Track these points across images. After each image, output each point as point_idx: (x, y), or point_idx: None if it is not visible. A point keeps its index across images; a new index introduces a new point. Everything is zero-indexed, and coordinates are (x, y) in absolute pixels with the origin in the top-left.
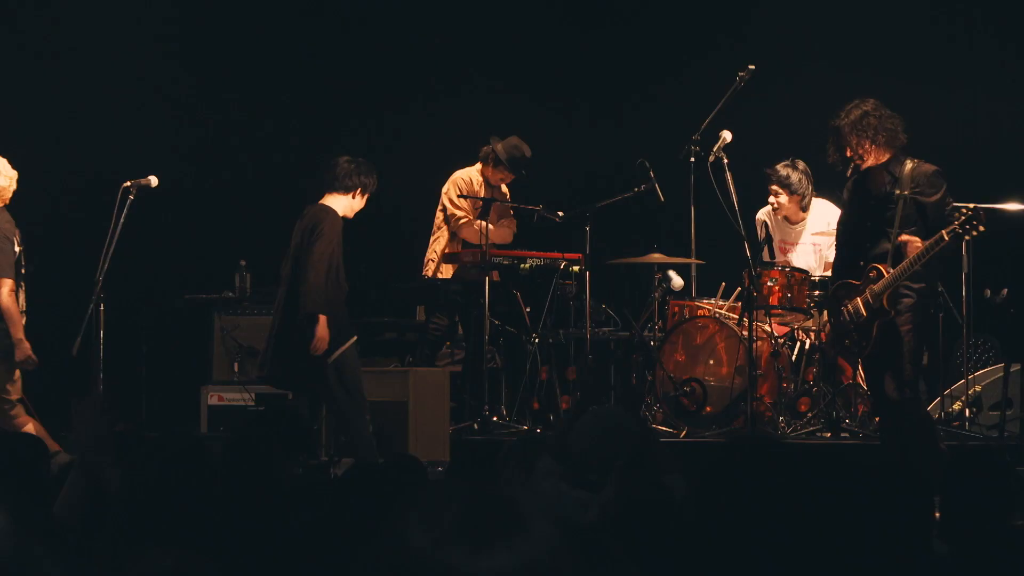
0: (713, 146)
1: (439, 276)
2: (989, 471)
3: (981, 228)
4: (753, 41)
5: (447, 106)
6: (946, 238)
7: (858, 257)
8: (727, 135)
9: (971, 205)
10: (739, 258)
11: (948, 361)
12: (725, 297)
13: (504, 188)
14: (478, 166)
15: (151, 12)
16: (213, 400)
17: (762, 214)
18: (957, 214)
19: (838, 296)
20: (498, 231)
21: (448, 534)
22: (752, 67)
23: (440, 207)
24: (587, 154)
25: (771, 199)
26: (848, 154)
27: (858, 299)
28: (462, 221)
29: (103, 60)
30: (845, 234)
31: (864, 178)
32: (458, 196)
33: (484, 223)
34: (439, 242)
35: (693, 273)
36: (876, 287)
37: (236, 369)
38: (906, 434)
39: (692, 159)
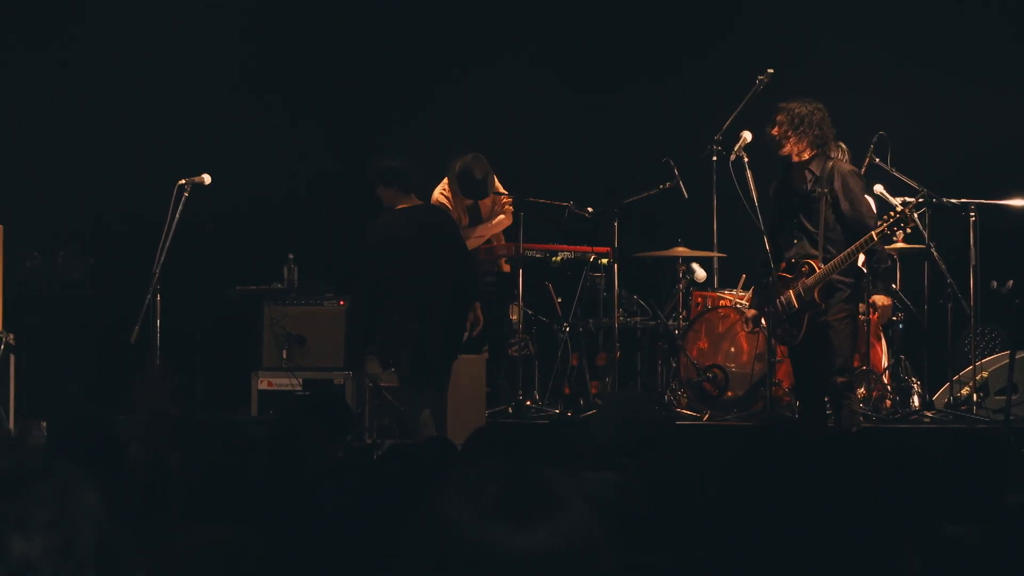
0: (734, 146)
1: None
2: (987, 451)
3: (908, 229)
4: (770, 39)
5: (480, 103)
6: (875, 237)
7: (782, 251)
8: (747, 135)
9: (899, 207)
10: (759, 251)
11: (956, 348)
12: (746, 288)
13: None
14: (446, 180)
15: (203, 15)
16: (263, 385)
17: None
18: (887, 215)
19: (773, 288)
20: (492, 226)
21: (488, 513)
22: (771, 71)
23: None
24: (615, 151)
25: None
26: (774, 133)
27: (790, 291)
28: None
29: (160, 63)
30: (770, 228)
31: (786, 175)
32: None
33: (478, 227)
34: None
35: (715, 266)
36: (808, 281)
37: (284, 356)
38: (835, 417)
39: (714, 158)
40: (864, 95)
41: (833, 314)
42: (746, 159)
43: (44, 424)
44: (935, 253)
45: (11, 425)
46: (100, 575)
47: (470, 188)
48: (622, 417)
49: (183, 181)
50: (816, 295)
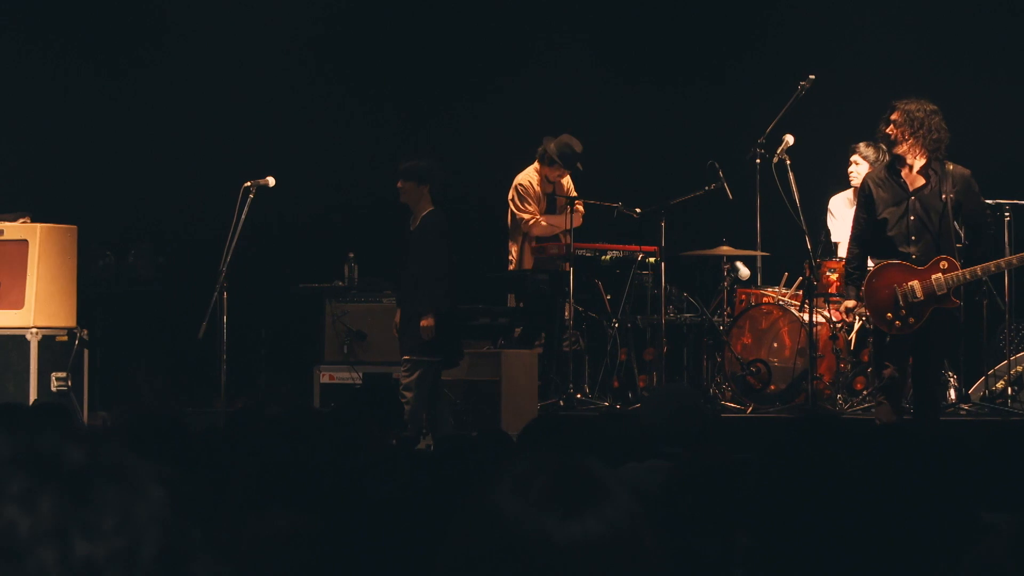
0: (777, 148)
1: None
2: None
3: None
4: (811, 43)
5: (533, 103)
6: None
7: (889, 245)
8: (790, 138)
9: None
10: (801, 250)
11: (991, 343)
12: (788, 286)
13: (567, 181)
14: (536, 165)
15: (267, 25)
16: (325, 379)
17: (833, 201)
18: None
19: (884, 274)
20: (563, 219)
21: (538, 503)
22: (812, 77)
23: (509, 211)
24: (662, 154)
25: (850, 169)
26: (889, 132)
27: (916, 281)
28: (531, 222)
29: (228, 72)
30: (859, 225)
31: (898, 173)
32: (521, 200)
33: (552, 216)
34: (513, 246)
35: (758, 264)
36: (945, 277)
37: (345, 351)
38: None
39: (758, 160)
40: (901, 96)
41: (950, 311)
42: (788, 162)
43: (115, 417)
44: None
45: (84, 417)
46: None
47: (571, 159)
48: (671, 408)
49: (248, 183)
50: (951, 293)
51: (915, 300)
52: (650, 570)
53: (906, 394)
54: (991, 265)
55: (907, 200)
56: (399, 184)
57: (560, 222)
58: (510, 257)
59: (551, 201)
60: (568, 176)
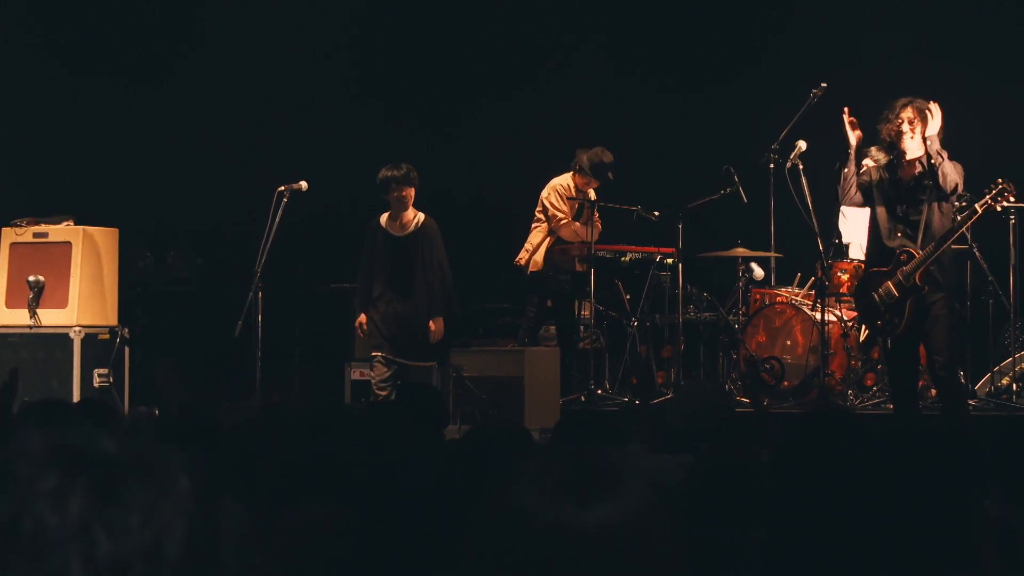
0: (790, 154)
1: (532, 266)
2: None
3: (1012, 197)
4: (822, 51)
5: (554, 109)
6: (978, 210)
7: (885, 247)
8: (802, 144)
9: (999, 180)
10: (813, 252)
11: (997, 341)
12: (800, 286)
13: (592, 192)
14: (570, 173)
15: (300, 34)
16: (355, 375)
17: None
18: (990, 187)
19: (868, 284)
20: (589, 230)
21: (556, 493)
22: (824, 85)
23: (540, 208)
24: (679, 158)
25: (861, 172)
26: (903, 129)
27: (888, 283)
28: (563, 221)
29: (262, 80)
30: (874, 226)
31: (895, 170)
32: (558, 199)
33: (579, 224)
34: (535, 235)
35: (772, 265)
36: (907, 268)
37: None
38: (949, 403)
39: (772, 165)
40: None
41: (933, 302)
42: (801, 166)
43: (156, 412)
44: (977, 253)
45: (125, 412)
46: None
47: (602, 171)
48: (696, 404)
49: (282, 187)
50: (917, 279)
51: (892, 300)
52: (664, 558)
53: (921, 392)
54: (941, 237)
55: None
56: (406, 192)
57: (583, 232)
58: (526, 247)
59: (581, 209)
60: (593, 190)
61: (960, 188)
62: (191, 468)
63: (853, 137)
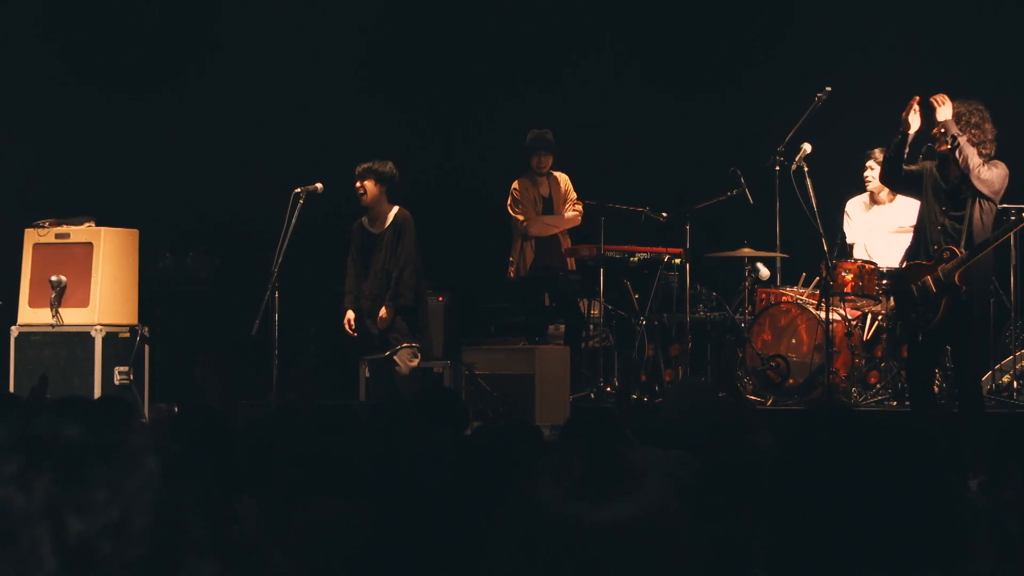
0: (795, 156)
1: (522, 272)
2: None
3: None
4: (826, 54)
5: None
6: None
7: (928, 241)
8: (807, 147)
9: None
10: (818, 252)
11: (998, 340)
12: (806, 285)
13: (564, 183)
14: (521, 177)
15: (315, 37)
16: (369, 373)
17: (850, 204)
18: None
19: (907, 275)
20: (564, 219)
21: (573, 489)
22: (829, 88)
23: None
24: (686, 160)
25: (865, 174)
26: (935, 132)
27: (928, 276)
28: (525, 223)
29: (279, 82)
30: (920, 223)
31: (940, 169)
32: (512, 203)
33: (549, 217)
34: (515, 247)
35: (778, 265)
36: (948, 266)
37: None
38: (967, 408)
39: (777, 167)
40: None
41: (970, 304)
42: (806, 168)
43: (176, 408)
44: None
45: (145, 410)
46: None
47: (539, 141)
48: (690, 401)
49: (299, 189)
50: (956, 278)
51: (930, 295)
52: (682, 552)
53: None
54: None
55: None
56: (359, 184)
57: (557, 222)
58: (511, 258)
59: (547, 202)
60: (567, 179)
61: (985, 177)
62: (159, 450)
63: (915, 123)
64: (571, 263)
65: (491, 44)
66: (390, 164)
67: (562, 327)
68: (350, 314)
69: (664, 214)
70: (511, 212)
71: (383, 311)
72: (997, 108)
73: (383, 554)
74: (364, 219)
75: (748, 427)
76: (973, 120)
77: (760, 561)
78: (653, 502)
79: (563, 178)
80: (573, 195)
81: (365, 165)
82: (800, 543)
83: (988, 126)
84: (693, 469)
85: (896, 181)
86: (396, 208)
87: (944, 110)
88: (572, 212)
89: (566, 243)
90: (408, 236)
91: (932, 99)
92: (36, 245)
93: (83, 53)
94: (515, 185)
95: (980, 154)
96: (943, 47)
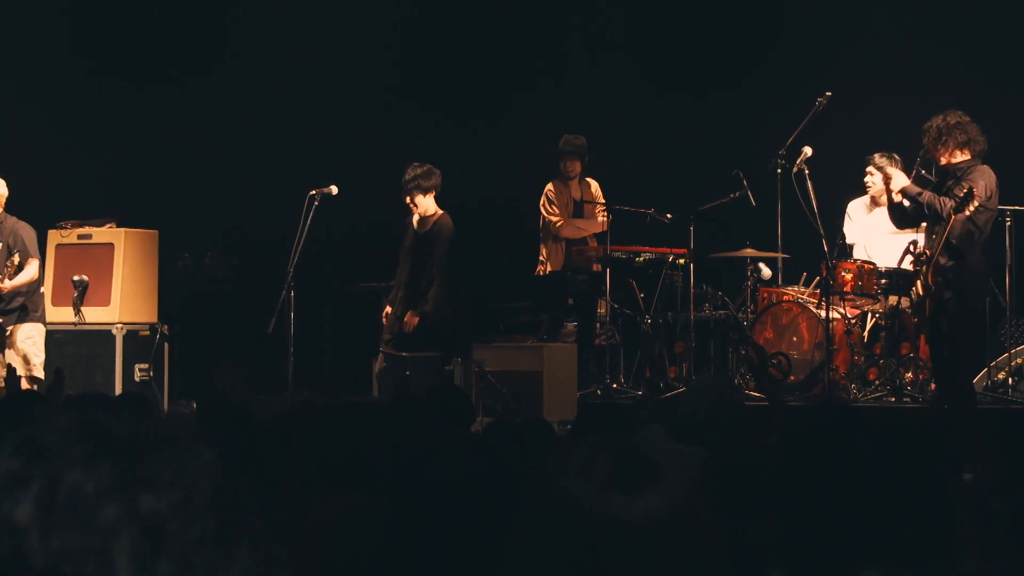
0: (796, 159)
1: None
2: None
3: (973, 205)
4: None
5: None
6: (952, 214)
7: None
8: (808, 150)
9: (966, 186)
10: (818, 252)
11: (993, 337)
12: (806, 285)
13: (595, 188)
14: (553, 180)
15: (334, 45)
16: (386, 363)
17: (851, 205)
18: (953, 195)
19: (912, 279)
20: (594, 223)
21: (602, 484)
22: (829, 94)
23: (540, 216)
24: (691, 163)
25: (866, 179)
26: (931, 156)
27: (918, 282)
28: (559, 224)
29: (295, 88)
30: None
31: (940, 182)
32: (548, 204)
33: (580, 220)
34: (543, 247)
35: (780, 265)
36: (925, 269)
37: None
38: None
39: (779, 170)
40: (914, 106)
41: (947, 301)
42: (807, 171)
43: (194, 404)
44: None
45: (165, 405)
46: (218, 527)
47: (571, 146)
48: (708, 398)
49: (313, 192)
50: (930, 279)
51: (918, 299)
52: (706, 543)
53: (922, 385)
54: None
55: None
56: (409, 200)
57: (588, 226)
58: (541, 257)
59: (578, 206)
60: (597, 185)
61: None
62: (211, 442)
63: (896, 178)
64: (596, 266)
65: (495, 47)
66: (426, 168)
67: (572, 325)
68: (388, 308)
69: (669, 215)
70: (545, 212)
71: (408, 316)
72: (993, 108)
73: (397, 547)
74: (416, 216)
75: (775, 419)
76: (959, 139)
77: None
78: (678, 496)
79: (594, 184)
80: (602, 202)
81: (407, 178)
82: (803, 537)
83: (972, 130)
84: (712, 465)
85: (907, 225)
86: (439, 214)
87: (896, 181)
88: (601, 219)
89: (592, 245)
90: (440, 247)
91: (881, 172)
92: (59, 246)
93: (105, 60)
94: (549, 187)
95: (975, 153)
96: (939, 51)
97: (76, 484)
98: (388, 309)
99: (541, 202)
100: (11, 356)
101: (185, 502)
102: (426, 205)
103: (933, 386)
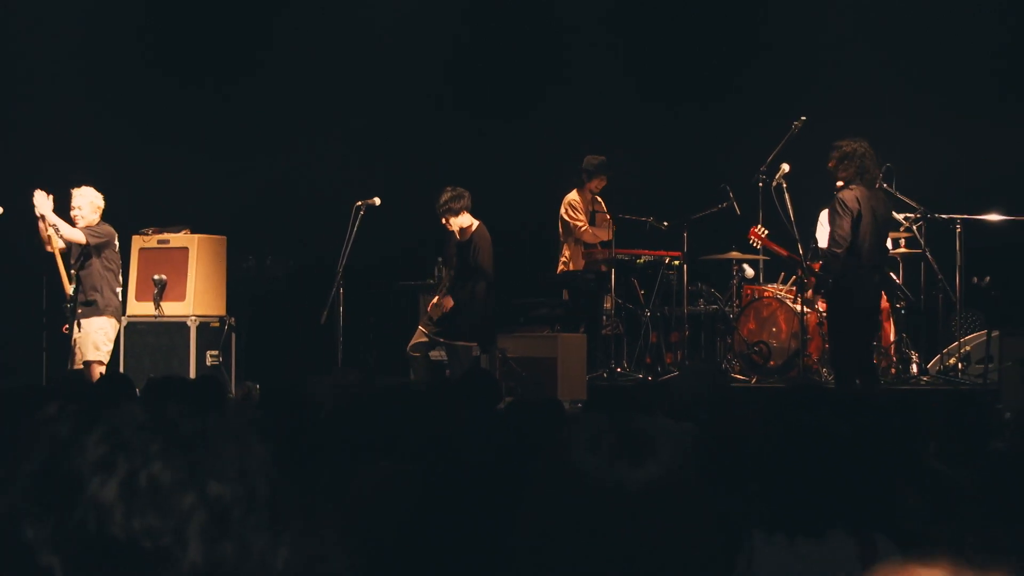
0: (775, 174)
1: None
2: (975, 409)
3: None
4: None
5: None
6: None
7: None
8: (786, 167)
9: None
10: (795, 255)
11: (945, 328)
12: (784, 283)
13: (601, 200)
14: (575, 190)
15: (371, 67)
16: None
17: (823, 214)
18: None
19: None
20: (601, 231)
21: (610, 455)
22: (804, 118)
23: (560, 223)
24: (685, 176)
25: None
26: (829, 166)
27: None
28: (583, 229)
29: (342, 105)
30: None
31: (869, 198)
32: (575, 211)
33: (592, 228)
34: (567, 248)
35: (761, 266)
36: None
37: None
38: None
39: (760, 184)
40: (879, 127)
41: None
42: (785, 185)
43: (258, 387)
44: (929, 256)
45: (232, 387)
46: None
47: (604, 166)
48: (698, 380)
49: (359, 202)
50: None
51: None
52: (697, 507)
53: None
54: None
55: None
56: (445, 222)
57: (599, 233)
58: (563, 259)
59: (592, 216)
60: (601, 199)
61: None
62: (269, 434)
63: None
64: (603, 267)
65: (509, 60)
66: (455, 192)
67: (581, 328)
68: (434, 299)
69: (665, 223)
70: (570, 217)
71: (446, 300)
72: (940, 128)
73: (431, 506)
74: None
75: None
76: (858, 152)
77: (755, 521)
78: (672, 466)
79: (600, 198)
80: (607, 212)
81: (439, 204)
82: (780, 500)
83: (869, 159)
84: (701, 439)
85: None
86: (476, 225)
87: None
88: (607, 228)
89: (600, 249)
90: (482, 253)
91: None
92: (141, 249)
93: (186, 79)
94: (575, 196)
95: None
96: (898, 75)
97: (154, 473)
98: (434, 300)
99: (564, 209)
100: (82, 341)
101: (246, 494)
102: (460, 222)
103: (893, 371)
